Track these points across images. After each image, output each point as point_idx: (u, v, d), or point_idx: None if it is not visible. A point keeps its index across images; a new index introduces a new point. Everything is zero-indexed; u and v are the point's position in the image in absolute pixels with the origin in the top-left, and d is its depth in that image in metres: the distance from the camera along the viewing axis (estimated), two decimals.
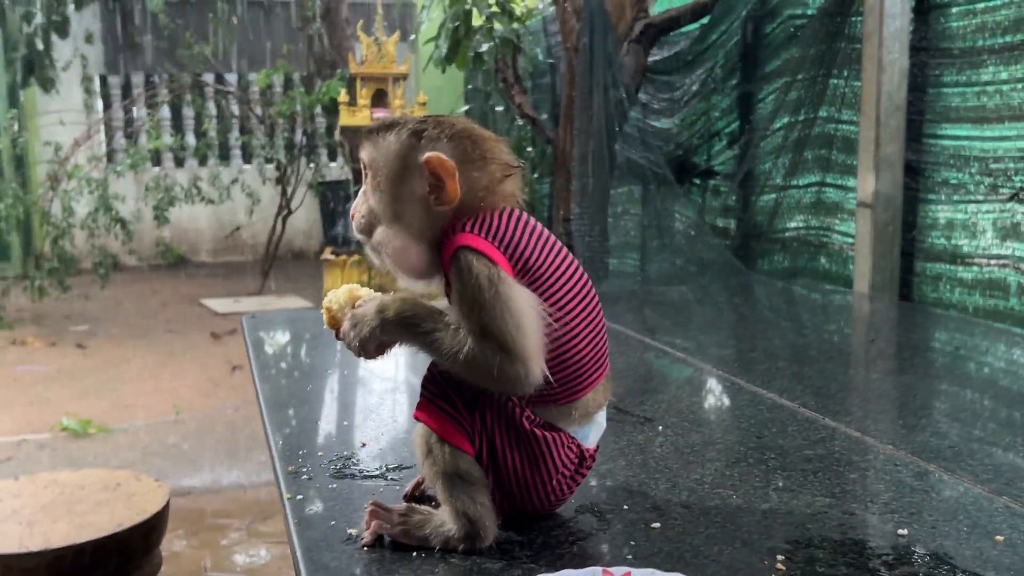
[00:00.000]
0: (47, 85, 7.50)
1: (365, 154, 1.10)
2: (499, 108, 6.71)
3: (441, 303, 1.12)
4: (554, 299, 1.05)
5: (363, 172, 1.11)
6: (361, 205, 1.10)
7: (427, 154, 1.05)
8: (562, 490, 1.11)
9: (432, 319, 1.04)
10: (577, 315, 1.06)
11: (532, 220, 1.09)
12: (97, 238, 7.45)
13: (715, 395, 1.74)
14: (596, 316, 1.08)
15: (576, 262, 1.09)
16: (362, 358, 1.10)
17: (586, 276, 1.09)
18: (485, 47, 5.41)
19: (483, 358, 1.00)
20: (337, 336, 1.12)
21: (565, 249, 1.09)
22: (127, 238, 7.56)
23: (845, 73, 3.59)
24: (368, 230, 1.10)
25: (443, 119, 1.10)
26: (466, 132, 1.08)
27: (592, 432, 1.12)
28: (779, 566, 1.01)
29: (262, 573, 3.25)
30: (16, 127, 7.86)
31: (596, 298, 1.09)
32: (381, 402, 1.68)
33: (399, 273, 1.11)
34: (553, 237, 1.09)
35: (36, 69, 7.34)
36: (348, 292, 1.14)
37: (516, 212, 1.09)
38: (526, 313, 1.02)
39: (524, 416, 1.06)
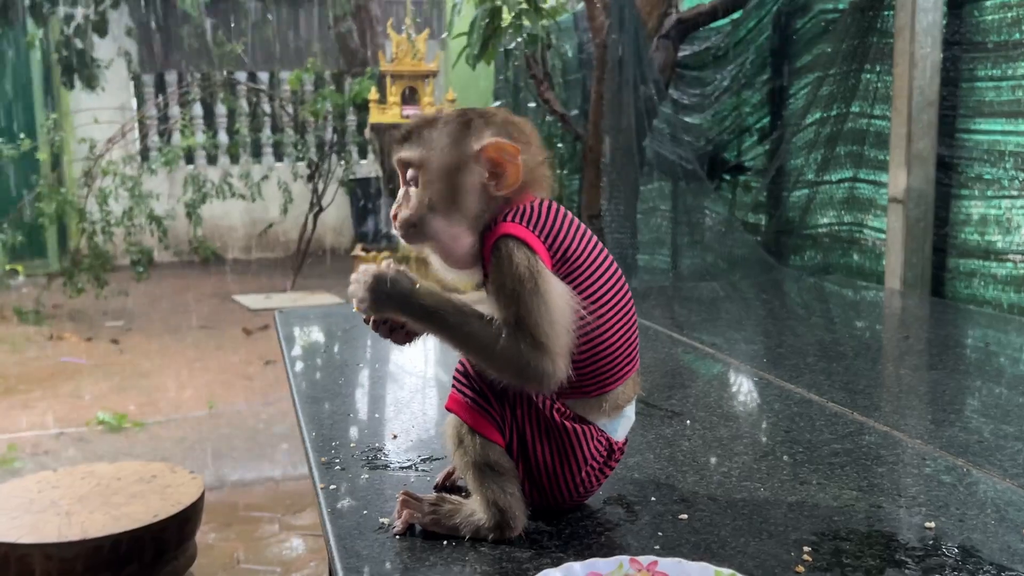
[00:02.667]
0: (92, 83, 7.59)
1: (408, 152, 1.10)
2: (531, 104, 6.71)
3: (470, 296, 1.14)
4: (590, 291, 1.06)
5: (402, 172, 1.12)
6: (405, 203, 1.10)
7: (488, 140, 1.07)
8: (591, 482, 1.12)
9: (460, 311, 1.05)
10: (611, 308, 1.07)
11: (567, 211, 1.10)
12: (132, 235, 7.56)
13: (743, 390, 1.74)
14: (629, 309, 1.10)
15: (610, 255, 1.11)
16: (386, 340, 1.12)
17: (619, 269, 1.11)
18: (514, 44, 5.42)
19: (512, 352, 1.02)
20: (366, 321, 1.14)
21: (599, 241, 1.11)
22: (162, 235, 7.65)
23: (877, 68, 3.56)
24: (414, 226, 1.10)
25: (480, 109, 1.13)
26: (507, 118, 1.11)
27: (621, 425, 1.13)
28: (805, 557, 1.02)
29: (294, 565, 3.29)
30: (53, 126, 7.98)
31: (628, 292, 1.10)
32: (411, 396, 1.70)
33: (447, 264, 1.12)
34: (588, 229, 1.11)
35: (80, 68, 7.43)
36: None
37: (553, 203, 1.11)
38: (562, 309, 1.03)
39: (554, 408, 1.08)
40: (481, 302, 1.10)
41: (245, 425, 4.82)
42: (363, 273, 1.07)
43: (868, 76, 3.63)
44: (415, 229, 1.10)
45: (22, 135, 7.75)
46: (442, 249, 1.11)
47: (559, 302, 1.03)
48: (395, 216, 1.11)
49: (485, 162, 1.08)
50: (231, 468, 4.23)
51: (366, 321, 1.13)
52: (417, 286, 1.06)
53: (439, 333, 1.07)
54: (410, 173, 1.10)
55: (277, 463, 4.35)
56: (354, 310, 1.10)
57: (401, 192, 1.12)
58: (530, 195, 1.10)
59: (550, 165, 1.13)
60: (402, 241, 1.13)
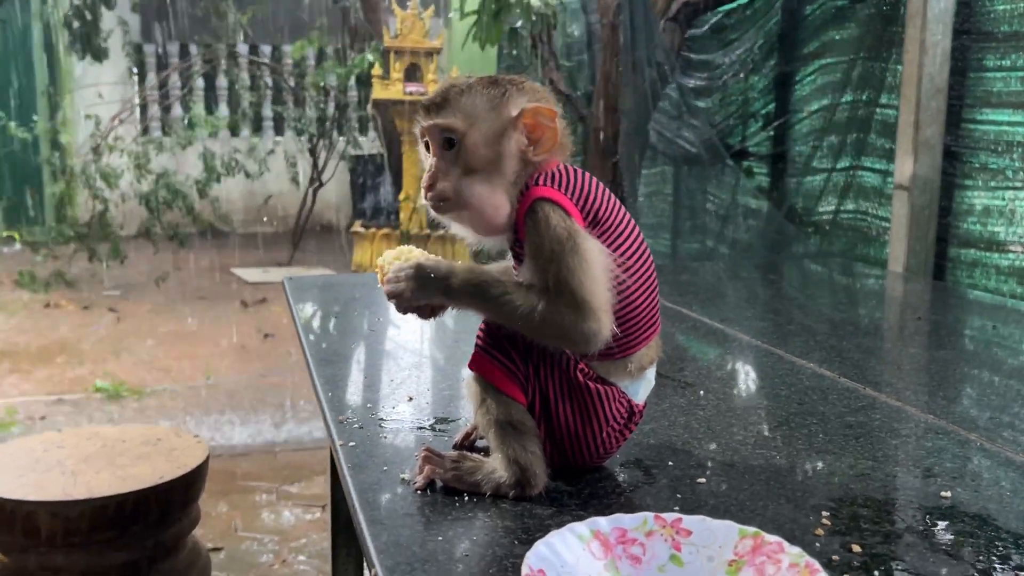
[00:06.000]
0: (99, 56, 7.56)
1: (445, 119, 1.07)
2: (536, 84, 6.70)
3: (496, 266, 1.14)
4: (619, 252, 1.07)
5: (434, 140, 1.09)
6: (441, 173, 1.09)
7: (528, 104, 1.07)
8: (610, 444, 1.13)
9: (499, 283, 1.05)
10: (637, 269, 1.08)
11: (592, 175, 1.11)
12: (156, 210, 7.56)
13: (754, 363, 1.75)
14: (652, 270, 1.10)
15: (632, 218, 1.12)
16: (409, 315, 1.12)
17: (641, 232, 1.11)
18: (520, 22, 5.41)
19: (557, 315, 1.02)
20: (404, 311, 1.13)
21: (622, 204, 1.11)
22: (189, 207, 7.66)
23: (884, 55, 3.56)
24: (450, 197, 1.08)
25: (505, 76, 1.12)
26: (533, 84, 1.12)
27: (642, 388, 1.14)
28: (824, 522, 1.03)
29: (291, 534, 3.30)
30: (54, 98, 7.95)
31: (650, 253, 1.11)
32: (424, 360, 1.71)
33: (479, 233, 1.12)
34: (611, 192, 1.11)
35: (89, 39, 7.39)
36: (401, 251, 1.15)
37: (577, 168, 1.11)
38: (600, 266, 1.04)
39: (578, 369, 1.08)
40: (506, 272, 1.10)
41: (242, 396, 4.83)
42: (400, 269, 1.07)
43: (875, 64, 3.63)
44: (452, 200, 1.09)
45: (35, 117, 7.73)
46: (478, 218, 1.09)
47: (598, 260, 1.04)
48: (430, 186, 1.09)
49: (523, 127, 1.08)
50: (228, 438, 4.24)
51: (404, 311, 1.11)
52: (461, 281, 1.06)
53: (482, 308, 1.07)
54: (445, 142, 1.08)
55: (273, 434, 4.36)
56: (392, 303, 1.09)
57: (432, 162, 1.10)
58: (556, 160, 1.10)
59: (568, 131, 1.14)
60: (431, 212, 1.12)
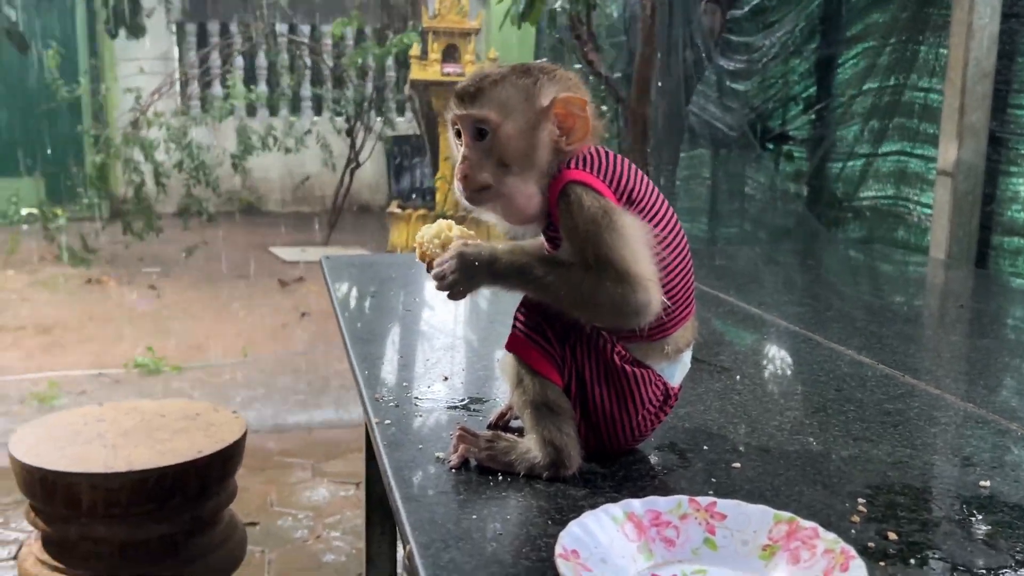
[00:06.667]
0: (137, 32, 7.64)
1: (479, 111, 1.07)
2: (576, 65, 6.67)
3: (532, 242, 1.14)
4: (655, 231, 1.06)
5: (467, 131, 1.09)
6: (475, 165, 1.08)
7: (561, 94, 1.07)
8: (645, 426, 1.13)
9: (544, 264, 1.06)
10: (674, 247, 1.08)
11: (623, 156, 1.11)
12: (189, 184, 7.64)
13: (791, 349, 1.74)
14: (687, 250, 1.10)
15: (664, 197, 1.11)
16: (450, 298, 1.12)
17: (675, 212, 1.11)
18: (559, 3, 5.38)
19: (603, 291, 1.02)
20: (428, 270, 1.14)
21: (655, 185, 1.11)
22: (215, 185, 7.74)
23: (930, 39, 3.51)
24: (486, 187, 1.08)
25: (538, 63, 1.12)
26: (564, 72, 1.11)
27: (678, 371, 1.14)
28: (860, 508, 1.02)
29: (325, 511, 3.34)
30: (97, 75, 8.04)
31: (684, 233, 1.11)
32: (459, 341, 1.71)
33: (512, 222, 1.12)
34: (644, 173, 1.11)
35: (128, 17, 7.47)
36: (439, 227, 1.15)
37: (608, 150, 1.11)
38: (640, 239, 1.03)
39: (615, 351, 1.08)
40: (542, 248, 1.10)
41: (278, 373, 4.87)
42: (444, 262, 1.07)
43: (920, 47, 3.57)
44: (488, 190, 1.09)
45: (80, 79, 7.81)
46: (512, 208, 1.09)
47: (636, 233, 1.03)
48: (465, 177, 1.09)
49: (555, 117, 1.07)
50: (264, 414, 4.29)
51: (456, 299, 1.11)
52: (505, 264, 1.06)
53: (529, 289, 1.07)
54: (477, 133, 1.08)
55: (310, 411, 4.40)
56: (437, 287, 1.09)
57: (463, 152, 1.09)
58: (587, 145, 1.10)
59: (599, 115, 1.14)
60: (465, 203, 1.11)
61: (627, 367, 1.09)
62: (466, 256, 1.07)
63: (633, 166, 1.10)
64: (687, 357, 1.15)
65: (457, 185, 1.10)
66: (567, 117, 1.07)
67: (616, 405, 1.09)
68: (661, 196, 1.11)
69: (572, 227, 1.04)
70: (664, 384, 1.12)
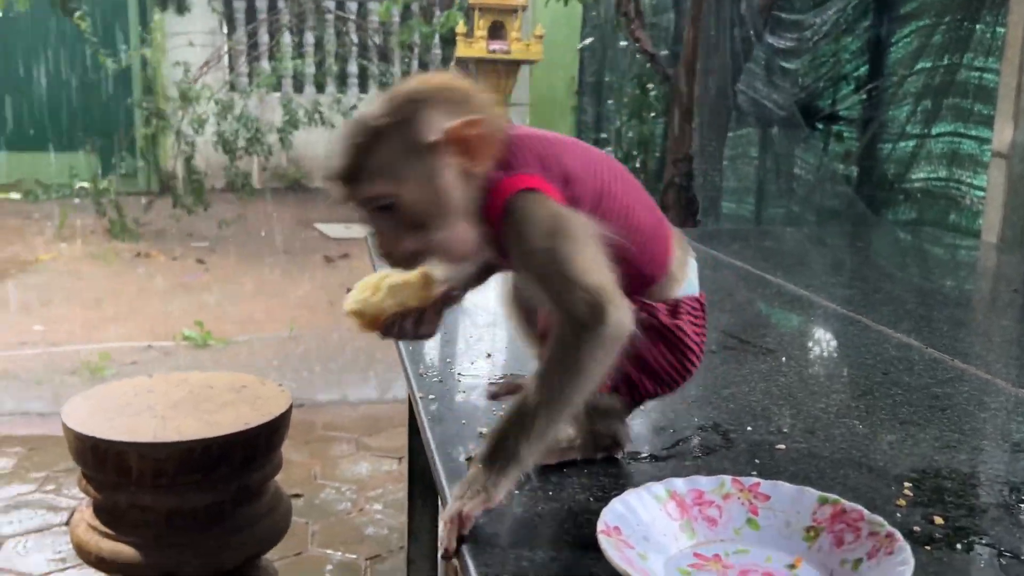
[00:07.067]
0: (182, 9, 7.71)
1: (368, 189, 0.95)
2: (622, 43, 6.62)
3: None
4: (604, 191, 1.01)
5: (367, 210, 0.97)
6: (393, 239, 0.97)
7: (447, 124, 0.93)
8: (701, 347, 1.09)
9: (523, 408, 0.93)
10: (626, 193, 1.04)
11: (532, 128, 1.06)
12: (239, 158, 7.71)
13: (838, 331, 1.72)
14: (632, 183, 1.06)
15: (586, 145, 1.07)
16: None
17: (603, 152, 1.08)
18: None
19: (577, 317, 0.92)
20: (384, 334, 1.11)
21: (576, 139, 1.07)
22: (267, 155, 7.80)
23: (987, 17, 3.43)
24: (410, 257, 0.98)
25: (406, 91, 0.98)
26: (438, 86, 0.98)
27: (694, 277, 1.10)
28: (907, 492, 1.01)
29: (368, 484, 3.37)
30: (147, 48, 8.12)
31: (619, 165, 1.07)
32: (501, 319, 1.71)
33: (453, 264, 1.05)
34: (558, 134, 1.05)
35: None
36: (368, 283, 1.09)
37: (516, 130, 1.01)
38: (595, 243, 0.95)
39: (646, 314, 1.03)
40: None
41: (324, 348, 4.92)
42: (443, 535, 0.91)
43: (976, 26, 3.49)
44: (415, 257, 0.99)
45: (124, 47, 7.90)
46: (451, 255, 1.00)
47: (589, 235, 0.95)
48: (388, 254, 0.98)
49: (451, 148, 0.94)
50: (309, 388, 4.33)
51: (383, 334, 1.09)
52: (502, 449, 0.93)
53: (547, 428, 0.93)
54: (378, 210, 0.96)
55: (354, 386, 4.44)
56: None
57: (373, 230, 0.98)
58: (496, 143, 0.98)
59: (502, 100, 1.07)
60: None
61: (668, 322, 1.05)
62: (457, 516, 0.91)
63: (546, 135, 1.03)
64: (692, 260, 1.11)
65: (383, 260, 1.01)
66: (464, 143, 0.94)
67: (674, 357, 1.05)
68: (584, 147, 1.05)
69: (527, 252, 0.95)
70: (694, 299, 1.08)
